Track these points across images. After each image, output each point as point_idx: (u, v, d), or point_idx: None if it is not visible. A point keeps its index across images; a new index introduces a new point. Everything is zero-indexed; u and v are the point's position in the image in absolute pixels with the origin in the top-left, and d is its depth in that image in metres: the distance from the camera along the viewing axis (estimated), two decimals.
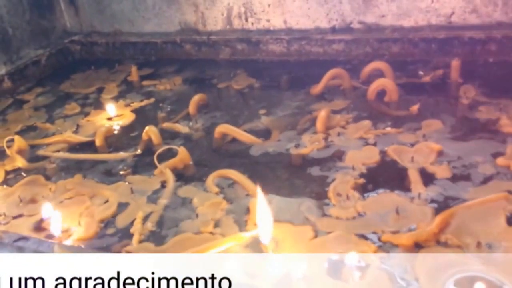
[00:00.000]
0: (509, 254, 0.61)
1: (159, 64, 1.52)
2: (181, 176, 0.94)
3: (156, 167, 0.96)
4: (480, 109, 0.96)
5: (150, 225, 0.81)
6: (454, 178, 0.78)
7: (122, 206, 0.87)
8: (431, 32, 1.16)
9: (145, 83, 1.42)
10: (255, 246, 0.71)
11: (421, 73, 1.14)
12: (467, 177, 0.78)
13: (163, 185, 0.92)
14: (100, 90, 1.43)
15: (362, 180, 0.81)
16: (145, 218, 0.83)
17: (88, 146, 1.12)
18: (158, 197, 0.88)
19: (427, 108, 1.00)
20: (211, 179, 0.90)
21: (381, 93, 1.07)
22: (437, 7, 1.14)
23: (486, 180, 0.76)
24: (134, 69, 1.45)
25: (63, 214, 0.87)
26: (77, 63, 1.66)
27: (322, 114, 1.00)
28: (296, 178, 0.86)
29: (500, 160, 0.79)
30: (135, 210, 0.86)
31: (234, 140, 1.03)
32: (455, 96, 1.03)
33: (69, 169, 1.03)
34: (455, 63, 1.07)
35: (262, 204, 0.71)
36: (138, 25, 1.56)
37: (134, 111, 1.27)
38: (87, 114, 1.29)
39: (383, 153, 0.88)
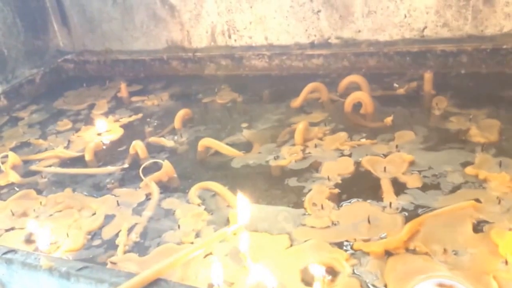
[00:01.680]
0: (473, 259, 0.65)
1: (148, 81, 1.56)
2: (166, 189, 0.97)
3: (141, 180, 0.99)
4: (451, 120, 1.00)
5: (134, 236, 0.85)
6: (424, 187, 0.82)
7: (108, 218, 0.91)
8: (405, 46, 1.21)
9: (134, 99, 1.46)
10: (234, 255, 0.75)
11: (396, 85, 1.19)
12: (437, 186, 0.82)
13: (148, 197, 0.96)
14: (91, 107, 1.47)
15: (337, 190, 0.85)
16: (130, 230, 0.87)
17: (79, 161, 1.15)
18: (143, 209, 0.92)
19: (401, 119, 1.05)
20: (194, 191, 0.93)
21: (358, 105, 1.12)
22: (410, 22, 1.19)
23: (455, 188, 0.80)
24: (123, 86, 1.49)
25: (52, 227, 0.90)
26: (70, 80, 1.70)
27: (300, 127, 1.04)
28: (275, 189, 0.90)
29: (469, 169, 0.83)
30: (120, 222, 0.89)
31: (217, 153, 1.07)
32: (428, 107, 1.08)
33: (59, 183, 1.07)
34: (428, 76, 1.12)
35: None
36: (127, 44, 1.60)
37: (123, 126, 1.30)
38: (78, 130, 1.33)
39: (357, 163, 0.92)
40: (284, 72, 1.39)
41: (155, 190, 0.96)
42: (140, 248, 0.82)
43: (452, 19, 1.14)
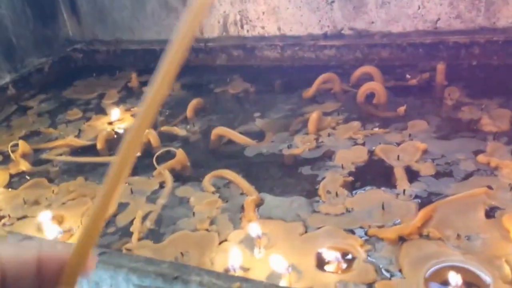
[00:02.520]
0: (486, 244, 0.65)
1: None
2: (179, 177, 0.98)
3: (155, 168, 1.00)
4: (463, 110, 1.00)
5: (149, 224, 0.86)
6: (437, 175, 0.82)
7: (122, 206, 0.92)
8: (418, 37, 1.21)
9: (145, 89, 1.47)
10: (249, 241, 0.75)
11: (408, 76, 1.19)
12: (450, 173, 0.82)
13: (162, 185, 0.96)
14: (101, 96, 1.48)
15: (350, 178, 0.86)
16: (144, 217, 0.88)
17: (90, 150, 1.16)
18: (157, 197, 0.93)
19: (414, 109, 1.05)
20: (208, 179, 0.94)
21: (370, 96, 1.12)
22: (424, 13, 1.18)
23: (467, 176, 0.81)
24: (134, 75, 1.50)
25: (65, 215, 0.92)
26: (79, 70, 1.70)
27: (313, 116, 1.04)
28: (288, 177, 0.91)
29: (481, 157, 0.84)
30: (134, 209, 0.90)
31: (229, 142, 1.07)
32: (440, 97, 1.08)
33: (71, 172, 1.08)
34: (440, 67, 1.12)
35: None
36: (138, 33, 1.61)
37: (134, 115, 1.31)
38: (88, 119, 1.33)
39: (371, 152, 0.92)
40: (296, 63, 1.39)
41: (169, 178, 0.97)
42: (155, 235, 0.83)
43: (465, 11, 1.14)
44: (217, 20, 1.47)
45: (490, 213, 0.71)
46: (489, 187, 0.75)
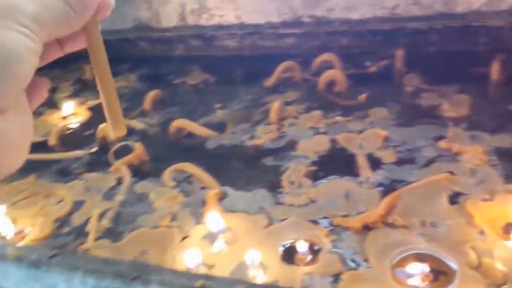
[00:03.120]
0: (451, 231, 0.65)
1: (114, 62, 1.45)
2: (138, 172, 0.94)
3: (112, 164, 0.96)
4: (423, 96, 1.01)
5: (106, 222, 0.82)
6: (399, 162, 0.82)
7: (77, 204, 0.87)
8: (377, 24, 1.20)
9: None
10: (212, 236, 0.73)
11: (367, 63, 1.19)
12: (412, 160, 0.82)
13: (119, 181, 0.93)
14: (54, 90, 1.41)
15: (313, 168, 0.85)
16: (101, 215, 0.84)
17: (42, 146, 1.10)
18: (114, 194, 0.89)
19: (374, 96, 1.05)
20: (168, 173, 0.91)
21: (331, 84, 1.11)
22: (382, 0, 1.18)
23: (429, 162, 0.81)
24: (88, 68, 1.44)
25: (17, 216, 0.86)
26: None
27: (275, 106, 1.03)
28: (251, 169, 0.89)
29: (442, 143, 0.84)
30: (90, 207, 0.86)
31: (190, 134, 1.04)
32: (400, 84, 1.08)
33: (22, 169, 1.02)
34: (399, 54, 1.12)
35: None
36: None
37: (90, 109, 1.26)
38: (41, 114, 1.27)
39: (333, 141, 0.92)
40: (256, 52, 1.36)
41: (127, 174, 0.93)
42: (113, 234, 0.79)
43: None
44: (174, 9, 1.43)
45: (454, 199, 0.71)
46: (451, 173, 0.75)
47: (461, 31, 1.13)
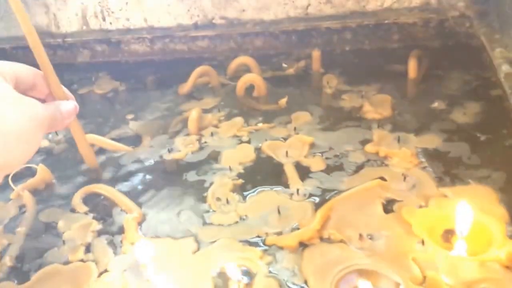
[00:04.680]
0: (390, 243, 0.63)
1: None
2: (43, 198, 0.84)
3: (12, 190, 0.84)
4: (344, 98, 1.00)
5: (8, 260, 0.71)
6: (328, 170, 0.80)
7: None
8: (290, 25, 1.18)
9: None
10: (135, 268, 0.66)
11: (284, 65, 1.16)
12: (340, 167, 0.80)
13: (22, 210, 0.81)
14: None
15: (240, 181, 0.80)
16: (3, 252, 0.73)
17: None
18: (17, 225, 0.78)
19: (295, 100, 1.02)
20: (78, 197, 0.81)
21: (250, 88, 1.07)
22: (294, 0, 1.16)
23: (358, 168, 0.79)
24: None
25: None
26: None
27: (193, 115, 0.96)
28: (173, 186, 0.82)
29: (368, 147, 0.83)
30: None
31: (101, 150, 0.95)
32: (319, 86, 1.06)
33: None
34: (316, 54, 1.10)
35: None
36: None
37: None
38: None
39: (258, 150, 0.87)
40: (168, 56, 1.29)
41: (30, 201, 0.82)
42: (18, 274, 0.69)
43: None
44: (74, 13, 1.30)
45: (388, 206, 0.69)
46: (382, 179, 0.74)
47: (375, 29, 1.14)
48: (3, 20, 1.36)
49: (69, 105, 0.47)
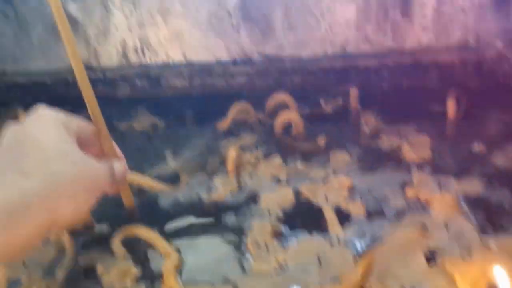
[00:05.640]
0: None
1: (50, 105, 1.40)
2: (82, 240, 0.85)
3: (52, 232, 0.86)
4: (382, 138, 0.99)
5: None
6: (369, 215, 0.78)
7: (12, 285, 0.76)
8: (328, 62, 1.18)
9: None
10: None
11: (322, 102, 1.16)
12: (381, 212, 0.79)
13: (62, 253, 0.82)
14: None
15: (280, 226, 0.79)
16: None
17: None
18: (56, 269, 0.79)
19: (333, 139, 1.02)
20: (117, 239, 0.82)
21: (288, 126, 1.07)
22: (332, 37, 1.16)
23: (399, 214, 0.77)
24: (22, 114, 1.32)
25: None
26: None
27: (231, 154, 0.97)
28: (212, 229, 0.82)
29: (409, 192, 0.81)
30: (28, 286, 0.76)
31: (140, 190, 0.96)
32: (357, 124, 1.06)
33: None
34: (353, 92, 1.10)
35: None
36: (24, 64, 1.42)
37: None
38: None
39: (297, 192, 0.87)
40: (206, 91, 1.31)
41: (69, 243, 0.83)
42: None
43: (372, 34, 1.13)
44: (115, 48, 1.34)
45: (430, 256, 0.68)
46: (424, 226, 0.72)
47: (412, 67, 1.13)
48: (43, 52, 1.41)
49: (121, 166, 0.48)
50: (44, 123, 0.43)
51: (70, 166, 0.41)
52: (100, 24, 1.31)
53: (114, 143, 0.51)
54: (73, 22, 1.32)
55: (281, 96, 1.13)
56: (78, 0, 1.28)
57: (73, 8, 1.29)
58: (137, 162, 1.06)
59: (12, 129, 0.43)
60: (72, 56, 0.49)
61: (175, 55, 1.31)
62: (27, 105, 1.47)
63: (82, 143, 0.46)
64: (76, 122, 0.47)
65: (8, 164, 0.39)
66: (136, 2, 1.25)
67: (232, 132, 1.12)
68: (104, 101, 1.43)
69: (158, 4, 1.23)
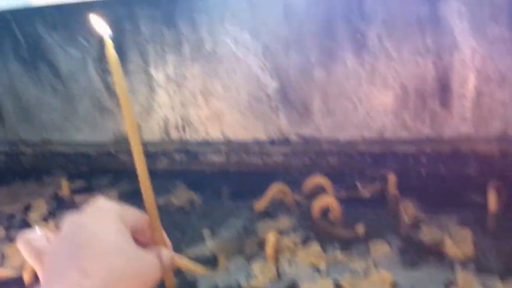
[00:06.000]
0: None
1: (92, 175, 1.45)
2: None
3: None
4: (423, 229, 0.98)
5: None
6: None
7: None
8: (365, 146, 1.21)
9: (77, 198, 1.34)
10: None
11: (359, 186, 1.17)
12: None
13: None
14: (27, 208, 1.33)
15: None
16: None
17: (16, 283, 1.00)
18: None
19: (371, 226, 1.02)
20: None
21: (325, 210, 1.08)
22: (370, 122, 1.19)
23: None
24: (64, 183, 1.37)
25: None
26: (2, 175, 1.54)
27: (271, 239, 0.97)
28: None
29: None
30: None
31: (178, 271, 0.97)
32: (396, 212, 1.06)
33: None
34: (392, 178, 1.11)
35: None
36: (68, 134, 1.49)
37: None
38: (13, 239, 1.17)
39: (337, 285, 0.86)
40: (243, 168, 1.34)
41: None
42: None
43: (410, 121, 1.16)
44: (157, 124, 1.40)
45: None
46: None
47: (451, 156, 1.14)
48: (89, 125, 1.48)
49: (169, 254, 0.50)
50: (103, 217, 0.45)
51: (127, 262, 0.43)
52: (144, 102, 1.38)
53: (163, 232, 0.53)
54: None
55: (318, 179, 1.15)
56: (126, 79, 1.35)
57: None
58: (176, 241, 1.06)
59: (72, 220, 0.44)
60: (131, 132, 0.51)
61: (214, 133, 1.36)
62: (70, 174, 1.54)
63: (135, 232, 0.48)
64: (131, 213, 0.49)
65: (68, 260, 0.41)
66: (180, 83, 1.31)
67: (269, 212, 1.14)
68: None
69: (201, 85, 1.30)
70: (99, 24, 0.63)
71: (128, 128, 0.50)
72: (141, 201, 1.34)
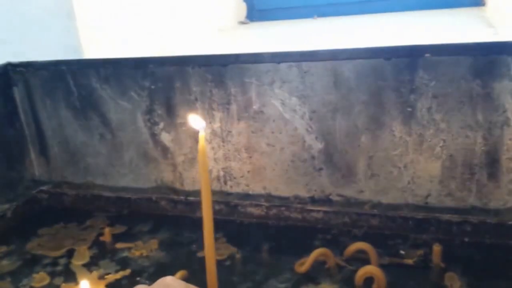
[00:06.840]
0: None
1: (132, 220, 1.48)
2: None
3: None
4: None
5: None
6: None
7: None
8: (409, 211, 1.21)
9: (119, 245, 1.36)
10: None
11: (402, 252, 1.17)
12: None
13: None
14: (70, 253, 1.36)
15: None
16: None
17: None
18: None
19: None
20: None
21: (369, 278, 1.08)
22: (414, 188, 1.19)
23: None
24: (107, 230, 1.40)
25: None
26: (45, 214, 1.58)
27: None
28: None
29: None
30: None
31: None
32: (440, 283, 1.05)
33: None
34: (436, 249, 1.10)
35: None
36: (112, 179, 1.53)
37: (109, 285, 1.20)
38: (57, 287, 1.20)
39: None
40: (282, 222, 1.35)
41: None
42: None
43: (456, 190, 1.15)
44: (199, 174, 1.43)
45: None
46: None
47: (497, 226, 1.13)
48: (133, 171, 1.51)
49: None
50: None
51: None
52: (188, 153, 1.41)
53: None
54: (164, 149, 1.43)
55: (361, 245, 1.15)
56: (172, 132, 1.39)
57: (166, 138, 1.40)
58: None
59: None
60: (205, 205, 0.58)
61: (256, 187, 1.38)
62: (110, 216, 1.57)
63: None
64: None
65: None
66: (225, 138, 1.34)
67: (311, 276, 1.14)
68: (183, 219, 1.52)
69: (245, 142, 1.32)
70: (196, 120, 0.69)
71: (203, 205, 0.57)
72: (181, 255, 1.36)
